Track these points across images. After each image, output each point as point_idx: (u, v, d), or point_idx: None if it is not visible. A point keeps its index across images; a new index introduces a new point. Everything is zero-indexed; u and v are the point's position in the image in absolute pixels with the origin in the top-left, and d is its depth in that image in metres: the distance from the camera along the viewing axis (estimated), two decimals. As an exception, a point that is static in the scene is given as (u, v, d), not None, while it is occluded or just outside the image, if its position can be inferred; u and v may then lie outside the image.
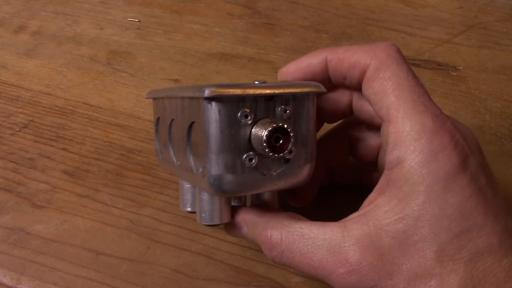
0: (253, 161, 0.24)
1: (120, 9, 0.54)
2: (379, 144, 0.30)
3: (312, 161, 0.26)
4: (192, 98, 0.24)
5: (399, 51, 0.25)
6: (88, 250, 0.33)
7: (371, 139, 0.31)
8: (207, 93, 0.22)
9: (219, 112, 0.23)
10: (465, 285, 0.22)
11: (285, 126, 0.23)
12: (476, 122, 0.42)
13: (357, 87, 0.27)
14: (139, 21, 0.53)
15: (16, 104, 0.43)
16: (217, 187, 0.24)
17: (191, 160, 0.26)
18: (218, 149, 0.23)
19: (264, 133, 0.22)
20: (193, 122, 0.25)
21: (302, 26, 0.53)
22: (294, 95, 0.25)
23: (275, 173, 0.25)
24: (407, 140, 0.23)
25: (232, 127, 0.23)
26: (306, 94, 0.25)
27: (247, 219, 0.28)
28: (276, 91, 0.24)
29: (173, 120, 0.28)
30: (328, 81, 0.28)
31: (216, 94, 0.22)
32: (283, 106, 0.24)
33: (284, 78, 0.29)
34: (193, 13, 0.54)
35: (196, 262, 0.32)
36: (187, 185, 0.30)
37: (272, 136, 0.23)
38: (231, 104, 0.23)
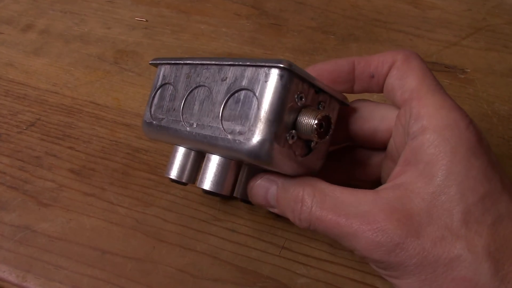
0: (294, 138, 0.26)
1: (128, 8, 0.55)
2: (380, 163, 0.31)
3: (323, 161, 0.29)
4: (255, 67, 0.26)
5: (419, 55, 0.28)
6: (93, 249, 0.33)
7: (373, 158, 0.32)
8: (284, 64, 0.24)
9: (285, 85, 0.25)
10: (488, 247, 0.22)
11: (330, 115, 0.26)
12: (483, 125, 0.42)
13: (381, 86, 0.29)
14: (147, 20, 0.53)
15: (23, 103, 0.43)
16: (257, 151, 0.25)
17: (221, 124, 0.27)
18: (274, 118, 0.25)
19: (316, 118, 0.25)
20: (239, 90, 0.26)
21: (310, 27, 0.53)
22: (331, 96, 0.28)
23: (301, 157, 0.27)
24: (430, 111, 0.24)
25: (289, 102, 0.25)
26: (343, 102, 0.29)
27: (277, 180, 0.28)
28: (326, 89, 0.27)
29: (198, 86, 0.29)
30: (351, 85, 0.30)
31: (292, 68, 0.25)
32: (322, 102, 0.28)
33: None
34: (200, 13, 0.54)
35: (201, 262, 0.32)
36: (181, 153, 0.30)
37: (321, 122, 0.25)
38: (296, 83, 0.25)
